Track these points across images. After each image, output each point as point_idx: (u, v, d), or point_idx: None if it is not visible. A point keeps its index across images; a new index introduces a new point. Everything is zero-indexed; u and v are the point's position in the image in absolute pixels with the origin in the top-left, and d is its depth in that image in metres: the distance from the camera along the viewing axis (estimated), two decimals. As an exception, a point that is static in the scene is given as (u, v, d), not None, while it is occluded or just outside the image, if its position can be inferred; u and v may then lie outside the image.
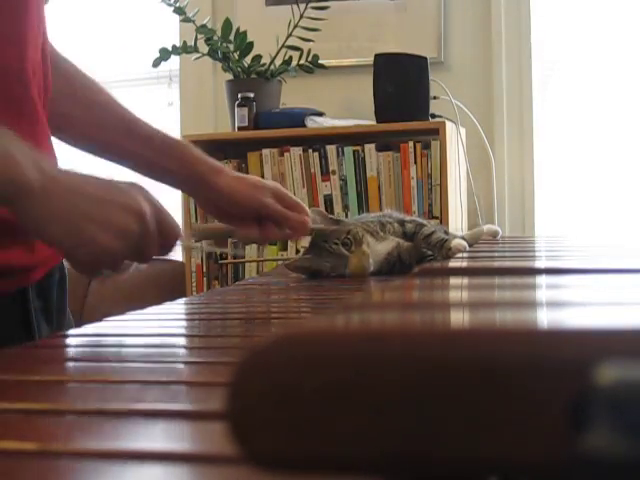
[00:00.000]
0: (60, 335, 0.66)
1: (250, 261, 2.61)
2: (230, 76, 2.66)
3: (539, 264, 0.76)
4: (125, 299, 2.73)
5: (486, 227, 1.41)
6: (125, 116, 0.98)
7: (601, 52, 2.60)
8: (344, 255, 1.17)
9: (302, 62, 2.61)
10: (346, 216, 2.42)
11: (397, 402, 0.23)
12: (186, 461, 0.31)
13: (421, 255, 1.21)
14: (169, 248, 0.80)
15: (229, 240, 2.65)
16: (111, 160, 1.01)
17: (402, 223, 1.25)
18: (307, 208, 1.06)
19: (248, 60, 2.62)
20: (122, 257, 0.72)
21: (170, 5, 2.57)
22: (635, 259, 0.81)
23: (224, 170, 1.01)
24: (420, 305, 0.40)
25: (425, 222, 1.28)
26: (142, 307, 0.85)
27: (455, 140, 2.48)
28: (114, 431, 0.36)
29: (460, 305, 0.39)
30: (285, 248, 2.59)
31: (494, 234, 1.36)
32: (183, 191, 1.08)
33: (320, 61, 2.61)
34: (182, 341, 0.71)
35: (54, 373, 0.51)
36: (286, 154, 2.55)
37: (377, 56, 2.44)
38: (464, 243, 1.19)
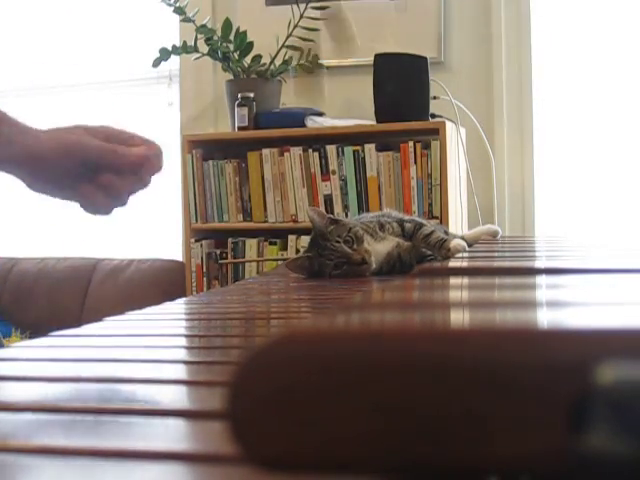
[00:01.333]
0: (59, 335, 0.66)
1: (250, 261, 2.61)
2: (230, 76, 2.66)
3: (539, 264, 0.76)
4: (125, 299, 2.73)
5: (486, 227, 1.41)
6: None
7: (601, 52, 2.60)
8: (347, 253, 1.16)
9: (302, 62, 2.61)
10: (346, 216, 2.42)
11: (397, 402, 0.23)
12: (186, 460, 0.31)
13: (421, 255, 1.21)
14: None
15: (229, 240, 2.66)
16: None
17: (401, 223, 1.25)
18: (149, 140, 0.86)
19: (248, 60, 2.62)
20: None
21: (170, 5, 2.57)
22: (635, 259, 0.81)
23: (33, 129, 0.83)
24: (420, 305, 0.40)
25: (424, 222, 1.28)
26: (142, 307, 0.85)
27: (455, 140, 2.48)
28: (114, 430, 0.36)
29: (460, 305, 0.39)
30: (285, 248, 2.59)
31: (494, 234, 1.36)
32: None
33: (320, 61, 2.61)
34: (182, 341, 0.71)
35: (54, 373, 0.51)
36: (286, 154, 2.55)
37: (377, 56, 2.44)
38: (463, 243, 1.19)
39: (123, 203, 0.86)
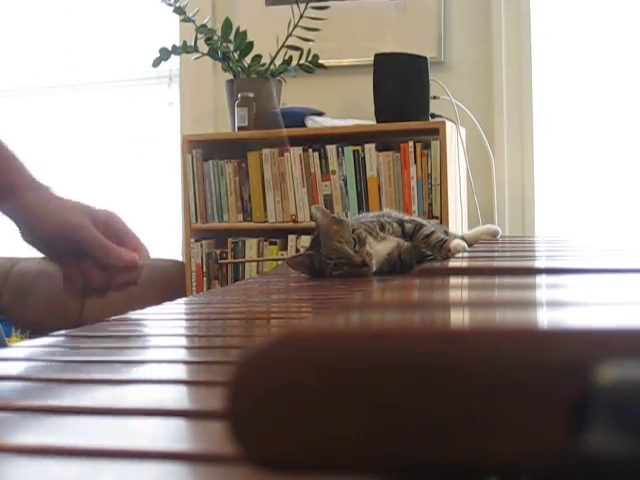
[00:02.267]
0: (59, 335, 0.66)
1: (250, 261, 2.61)
2: (230, 76, 2.66)
3: (539, 264, 0.76)
4: (125, 300, 2.73)
5: (486, 227, 1.42)
6: None
7: (601, 52, 2.60)
8: (348, 254, 1.16)
9: (302, 62, 2.61)
10: (346, 216, 2.42)
11: (397, 402, 0.23)
12: (186, 460, 0.31)
13: (421, 255, 1.21)
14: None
15: (229, 240, 2.65)
16: None
17: (401, 223, 1.25)
18: (143, 246, 0.90)
19: (248, 60, 2.62)
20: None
21: (170, 5, 2.57)
22: (635, 259, 0.81)
23: (43, 188, 0.87)
24: (420, 305, 0.40)
25: (425, 222, 1.28)
26: (142, 307, 0.85)
27: (455, 140, 2.48)
28: (114, 430, 0.36)
29: (460, 305, 0.39)
30: (285, 248, 2.59)
31: (494, 234, 1.36)
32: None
33: (320, 61, 2.61)
34: (182, 341, 0.71)
35: (53, 372, 0.51)
36: (286, 154, 2.55)
37: (377, 56, 2.44)
38: (463, 243, 1.19)
39: (97, 294, 0.91)
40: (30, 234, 0.87)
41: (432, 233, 1.21)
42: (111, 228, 0.87)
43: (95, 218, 0.87)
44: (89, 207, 0.88)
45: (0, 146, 0.86)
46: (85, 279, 0.87)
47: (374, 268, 1.17)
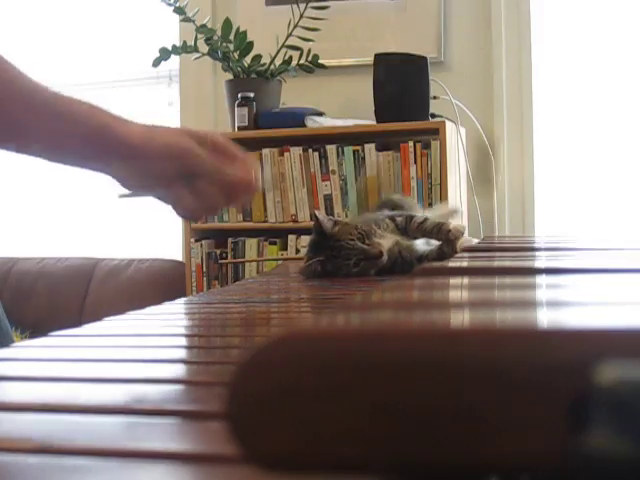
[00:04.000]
0: (59, 335, 0.66)
1: (250, 261, 2.61)
2: (230, 76, 2.66)
3: (539, 264, 0.76)
4: (125, 299, 2.73)
5: (447, 207, 1.42)
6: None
7: (601, 52, 2.60)
8: (364, 249, 1.16)
9: (302, 62, 2.61)
10: (346, 216, 2.42)
11: (397, 402, 0.23)
12: (186, 461, 0.31)
13: (419, 253, 1.21)
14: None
15: (229, 240, 2.65)
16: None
17: (392, 218, 1.25)
18: (254, 164, 0.87)
19: (248, 60, 2.62)
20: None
21: (170, 5, 2.57)
22: (635, 259, 0.81)
23: (137, 123, 0.82)
24: (420, 305, 0.40)
25: (412, 212, 1.28)
26: (142, 307, 0.85)
27: (455, 140, 2.48)
28: (113, 430, 0.36)
29: (460, 305, 0.39)
30: (285, 248, 2.59)
31: (454, 213, 1.37)
32: (89, 164, 0.82)
33: (320, 61, 2.61)
34: (182, 341, 0.71)
35: (54, 373, 0.51)
36: (286, 154, 2.55)
37: (377, 56, 2.44)
38: (462, 225, 1.20)
39: (214, 213, 0.89)
40: (133, 174, 0.82)
41: (425, 220, 1.21)
42: (218, 149, 0.84)
43: (200, 140, 0.83)
44: (190, 130, 0.85)
45: (75, 100, 0.83)
46: (199, 199, 0.83)
47: (386, 256, 1.17)
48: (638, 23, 2.56)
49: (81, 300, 2.89)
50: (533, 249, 0.86)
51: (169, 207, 0.85)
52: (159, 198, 0.85)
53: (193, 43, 2.57)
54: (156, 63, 2.57)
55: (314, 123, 2.53)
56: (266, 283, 1.28)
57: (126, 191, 0.85)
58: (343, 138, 2.51)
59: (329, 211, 2.48)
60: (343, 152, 2.50)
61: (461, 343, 0.23)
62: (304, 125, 2.53)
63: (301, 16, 2.55)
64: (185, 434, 0.37)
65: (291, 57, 2.60)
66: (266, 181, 2.58)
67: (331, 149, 2.51)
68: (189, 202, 0.83)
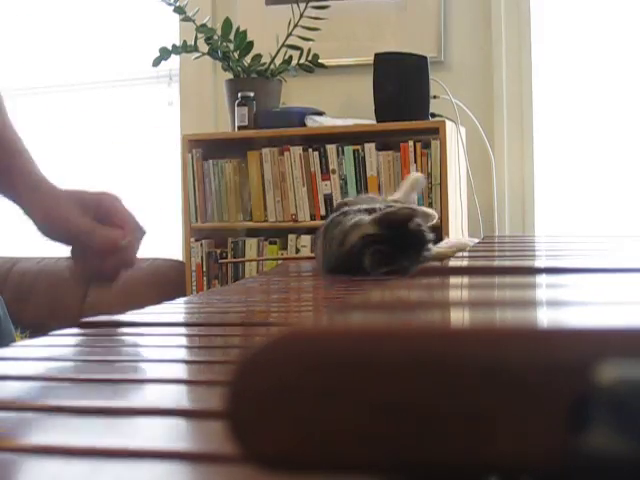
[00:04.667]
0: (59, 334, 0.66)
1: (250, 260, 2.61)
2: (230, 75, 2.66)
3: (539, 263, 0.76)
4: (125, 299, 2.72)
5: (460, 242, 1.39)
6: None
7: (602, 51, 2.60)
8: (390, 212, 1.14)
9: (302, 61, 2.61)
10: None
11: (397, 402, 0.23)
12: (186, 460, 0.31)
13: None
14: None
15: (229, 240, 2.65)
16: None
17: (370, 212, 1.22)
18: (131, 222, 0.90)
19: (248, 59, 2.62)
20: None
21: (170, 5, 2.57)
22: (635, 258, 0.81)
23: (39, 185, 0.88)
24: (420, 305, 0.40)
25: (391, 204, 1.24)
26: (142, 307, 0.85)
27: (455, 139, 2.48)
28: (114, 429, 0.36)
29: (460, 305, 0.39)
30: (285, 247, 2.59)
31: (419, 184, 1.35)
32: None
33: (320, 60, 2.61)
34: (182, 341, 0.71)
35: (53, 372, 0.51)
36: (286, 154, 2.55)
37: (377, 55, 2.44)
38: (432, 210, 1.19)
39: (95, 284, 0.94)
40: (41, 231, 0.89)
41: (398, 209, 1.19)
42: (102, 210, 0.88)
43: (85, 204, 0.88)
44: (81, 193, 0.89)
45: (7, 142, 0.88)
46: (90, 269, 0.89)
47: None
48: (638, 23, 2.56)
49: (81, 300, 2.89)
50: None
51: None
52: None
53: (193, 43, 2.57)
54: (156, 63, 2.57)
55: (314, 123, 2.53)
56: (266, 283, 1.28)
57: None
58: (343, 138, 2.51)
59: (329, 211, 2.48)
60: (343, 152, 2.50)
61: (461, 343, 0.23)
62: (304, 125, 2.53)
63: (301, 16, 2.55)
64: (185, 433, 0.37)
65: (291, 57, 2.60)
66: (266, 181, 2.58)
67: (331, 149, 2.51)
68: (80, 270, 0.89)
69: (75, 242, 0.87)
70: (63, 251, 0.91)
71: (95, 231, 0.86)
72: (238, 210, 2.62)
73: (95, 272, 0.89)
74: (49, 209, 0.87)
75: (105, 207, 0.88)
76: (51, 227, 0.87)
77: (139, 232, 0.90)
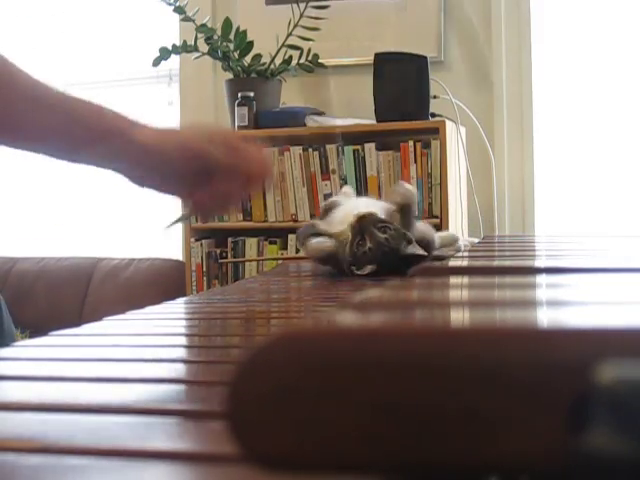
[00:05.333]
0: (59, 334, 0.66)
1: (250, 260, 2.61)
2: (230, 75, 2.66)
3: (539, 263, 0.76)
4: (125, 299, 2.72)
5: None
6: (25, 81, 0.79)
7: (602, 51, 2.60)
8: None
9: (302, 61, 2.61)
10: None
11: (397, 402, 0.23)
12: (186, 460, 0.31)
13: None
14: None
15: (229, 240, 2.65)
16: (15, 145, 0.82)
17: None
18: (265, 154, 0.90)
19: (248, 59, 2.62)
20: None
21: (170, 4, 2.57)
22: (635, 258, 0.81)
23: (148, 125, 0.86)
24: (420, 305, 0.40)
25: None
26: (142, 307, 0.85)
27: (455, 139, 2.48)
28: (113, 430, 0.36)
29: (460, 305, 0.39)
30: (285, 247, 2.59)
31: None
32: (105, 165, 0.86)
33: (320, 60, 2.61)
34: (182, 340, 0.71)
35: (54, 372, 0.51)
36: (286, 153, 2.55)
37: (377, 55, 2.44)
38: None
39: (227, 208, 0.94)
40: (150, 173, 0.85)
41: None
42: (229, 144, 0.86)
43: (211, 137, 0.86)
44: (201, 128, 0.88)
45: (86, 102, 0.83)
46: (217, 196, 0.86)
47: None
48: (638, 22, 2.56)
49: (81, 300, 2.89)
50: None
51: (186, 205, 0.89)
52: (175, 195, 0.88)
53: (193, 42, 2.57)
54: (156, 63, 2.57)
55: (314, 122, 2.53)
56: (266, 283, 1.28)
57: (169, 222, 0.92)
58: (343, 137, 2.51)
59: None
60: (343, 151, 2.50)
61: (461, 343, 0.23)
62: (304, 124, 2.53)
63: (301, 15, 2.55)
64: (185, 433, 0.37)
65: (291, 56, 2.60)
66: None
67: (331, 149, 2.51)
68: (205, 199, 0.85)
69: (199, 176, 0.84)
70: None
71: (239, 163, 0.84)
72: (238, 210, 2.62)
73: (231, 197, 0.88)
74: (183, 146, 0.84)
75: (232, 143, 0.86)
76: (184, 164, 0.83)
77: (270, 161, 0.90)
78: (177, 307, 0.96)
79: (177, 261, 2.86)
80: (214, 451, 0.32)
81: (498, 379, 0.23)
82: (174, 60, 2.79)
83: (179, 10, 2.56)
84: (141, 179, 0.86)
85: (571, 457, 0.21)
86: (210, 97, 2.92)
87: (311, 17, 2.54)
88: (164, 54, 2.56)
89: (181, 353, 0.63)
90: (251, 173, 0.86)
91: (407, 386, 0.23)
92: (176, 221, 0.92)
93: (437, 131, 2.37)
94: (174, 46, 2.57)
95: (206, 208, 0.89)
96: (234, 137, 0.88)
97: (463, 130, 2.53)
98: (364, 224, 1.12)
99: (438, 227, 2.35)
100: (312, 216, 2.51)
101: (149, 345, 0.66)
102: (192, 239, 2.66)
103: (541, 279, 0.52)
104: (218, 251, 2.66)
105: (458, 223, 2.47)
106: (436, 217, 2.38)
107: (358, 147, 2.49)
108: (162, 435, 0.36)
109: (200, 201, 0.86)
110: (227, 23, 2.58)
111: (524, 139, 2.63)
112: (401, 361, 0.23)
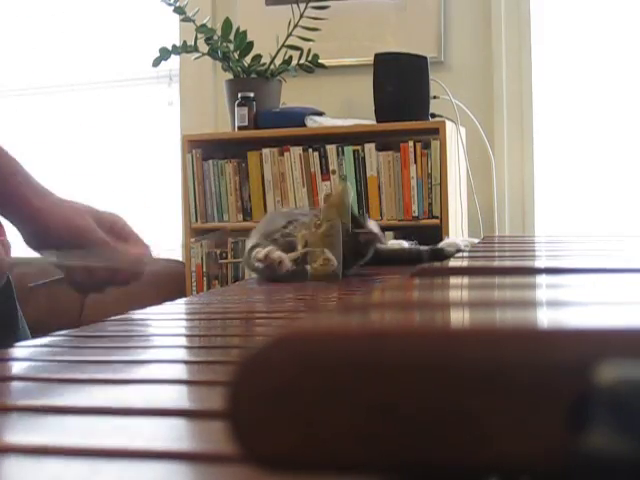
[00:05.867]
0: (59, 335, 0.66)
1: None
2: (230, 76, 2.66)
3: (539, 264, 0.76)
4: (125, 299, 2.72)
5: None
6: None
7: (602, 51, 2.60)
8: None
9: (302, 62, 2.61)
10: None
11: (397, 402, 0.23)
12: (186, 460, 0.31)
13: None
14: None
15: (229, 240, 2.65)
16: None
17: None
18: (146, 246, 0.95)
19: (248, 60, 2.62)
20: None
21: (170, 5, 2.57)
22: (635, 258, 0.81)
23: (48, 194, 0.91)
24: (420, 305, 0.40)
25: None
26: (142, 307, 0.85)
27: (455, 140, 2.48)
28: (114, 429, 0.36)
29: (460, 305, 0.39)
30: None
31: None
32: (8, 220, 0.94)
33: (320, 61, 2.61)
34: (182, 341, 0.71)
35: (54, 372, 0.51)
36: (286, 154, 2.55)
37: (377, 56, 2.44)
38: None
39: (100, 290, 0.97)
40: (36, 240, 0.92)
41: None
42: (115, 230, 0.92)
43: (100, 220, 0.91)
44: (93, 209, 0.92)
45: (4, 155, 0.89)
46: (89, 276, 0.91)
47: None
48: (638, 23, 2.56)
49: (81, 300, 2.89)
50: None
51: (62, 276, 0.94)
52: (57, 265, 0.94)
53: (193, 43, 2.57)
54: (156, 63, 2.57)
55: (314, 123, 2.53)
56: (266, 283, 1.28)
57: (37, 281, 1.00)
58: (343, 138, 2.51)
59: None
60: (343, 152, 2.50)
61: (461, 343, 0.23)
62: (304, 125, 2.53)
63: (301, 16, 2.55)
64: (185, 434, 0.37)
65: (291, 57, 2.60)
66: (266, 181, 2.58)
67: (331, 149, 2.51)
68: (80, 275, 0.91)
69: (80, 252, 0.89)
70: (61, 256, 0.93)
71: (115, 248, 0.90)
72: (238, 210, 2.62)
73: (103, 282, 0.93)
74: (70, 219, 0.89)
75: (119, 228, 0.92)
76: (68, 237, 0.89)
77: (151, 256, 0.95)
78: (177, 307, 0.96)
79: (177, 262, 2.87)
80: (214, 451, 0.32)
81: (498, 379, 0.23)
82: (174, 60, 2.79)
83: (179, 10, 2.56)
84: (31, 244, 0.93)
85: (571, 457, 0.21)
86: (210, 97, 2.92)
87: (311, 17, 2.54)
88: (164, 54, 2.56)
89: (181, 353, 0.63)
90: (122, 264, 0.91)
91: (407, 386, 0.23)
92: (44, 282, 0.98)
93: (437, 131, 2.37)
94: (174, 46, 2.57)
95: (76, 279, 0.93)
96: (122, 224, 0.93)
97: (463, 130, 2.53)
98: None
99: (438, 227, 2.35)
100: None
101: (149, 345, 0.66)
102: (192, 239, 2.66)
103: (541, 279, 0.52)
104: (218, 251, 2.66)
105: (458, 223, 2.47)
106: (436, 217, 2.38)
107: (358, 147, 2.49)
108: (162, 435, 0.36)
109: (73, 269, 0.91)
110: (227, 23, 2.58)
111: (524, 139, 2.63)
112: (401, 361, 0.23)
